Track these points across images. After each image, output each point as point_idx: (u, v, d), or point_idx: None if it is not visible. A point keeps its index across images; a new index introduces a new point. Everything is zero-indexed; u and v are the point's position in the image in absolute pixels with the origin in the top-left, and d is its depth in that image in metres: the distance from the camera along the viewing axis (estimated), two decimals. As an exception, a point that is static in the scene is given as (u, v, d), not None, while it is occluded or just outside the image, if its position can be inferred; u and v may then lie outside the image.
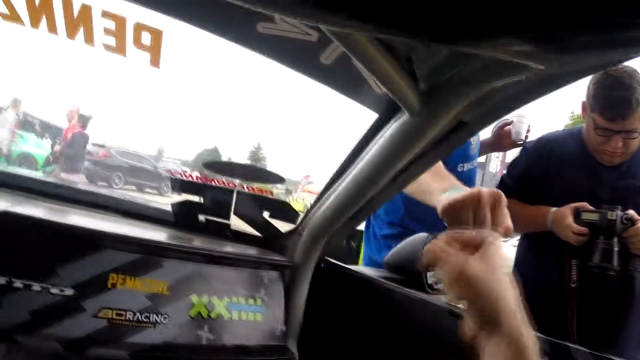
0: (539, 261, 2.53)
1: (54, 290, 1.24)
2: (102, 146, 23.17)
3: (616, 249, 2.16)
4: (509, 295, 0.89)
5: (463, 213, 1.08)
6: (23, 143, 20.08)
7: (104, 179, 20.46)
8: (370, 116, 1.40)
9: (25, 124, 22.89)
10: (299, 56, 1.24)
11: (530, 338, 0.86)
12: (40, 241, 1.28)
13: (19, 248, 1.25)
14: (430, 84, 1.08)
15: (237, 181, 1.73)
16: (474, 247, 0.95)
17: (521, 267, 2.62)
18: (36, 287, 1.22)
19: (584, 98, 2.43)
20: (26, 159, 19.03)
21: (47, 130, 24.12)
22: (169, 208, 1.83)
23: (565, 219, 2.30)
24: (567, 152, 2.55)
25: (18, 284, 1.20)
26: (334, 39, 0.90)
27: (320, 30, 1.08)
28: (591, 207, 2.28)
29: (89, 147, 23.47)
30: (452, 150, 1.35)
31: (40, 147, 20.90)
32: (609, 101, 2.26)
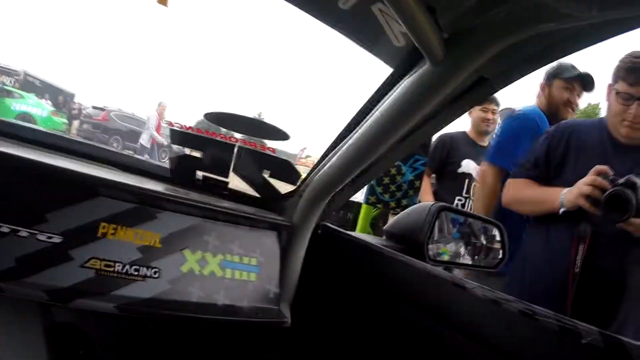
0: (547, 246, 2.54)
1: (41, 237, 1.18)
2: (102, 109, 23.29)
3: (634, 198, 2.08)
4: None
5: None
6: (22, 103, 20.09)
7: (102, 142, 20.50)
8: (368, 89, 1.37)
9: (26, 83, 22.94)
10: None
11: None
12: (29, 184, 1.22)
13: (6, 190, 1.19)
14: (454, 32, 1.04)
15: (238, 136, 1.68)
16: None
17: (529, 251, 2.66)
18: (23, 232, 1.16)
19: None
20: (25, 119, 19.05)
21: (47, 90, 24.19)
22: (166, 165, 1.78)
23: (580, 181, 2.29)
24: (586, 139, 2.57)
25: (4, 228, 1.14)
26: None
27: (340, -30, 1.03)
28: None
29: (89, 109, 23.59)
30: (470, 107, 1.32)
31: (40, 107, 20.93)
32: (632, 65, 2.32)
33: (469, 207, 4.33)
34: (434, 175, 4.70)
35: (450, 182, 4.46)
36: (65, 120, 22.94)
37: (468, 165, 4.42)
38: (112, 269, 1.27)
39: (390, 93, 1.29)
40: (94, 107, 23.55)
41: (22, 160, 1.24)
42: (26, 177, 1.22)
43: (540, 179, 2.62)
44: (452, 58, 1.08)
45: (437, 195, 4.52)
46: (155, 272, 1.34)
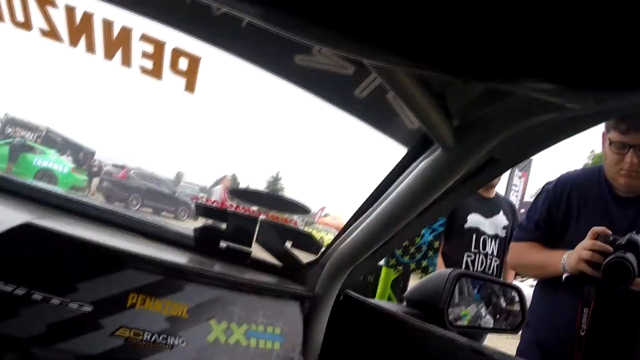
0: (553, 307, 2.50)
1: (73, 306, 1.23)
2: (122, 167, 23.49)
3: (635, 261, 2.03)
4: None
5: None
6: (44, 159, 20.38)
7: (122, 200, 20.63)
8: (383, 153, 1.42)
9: (48, 140, 23.32)
10: (334, 89, 1.25)
11: None
12: (61, 255, 1.27)
13: (39, 260, 1.24)
14: (463, 120, 1.09)
15: (262, 210, 1.74)
16: None
17: (536, 312, 2.60)
18: (55, 300, 1.21)
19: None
20: (46, 175, 19.29)
21: (68, 147, 24.55)
22: (189, 232, 1.83)
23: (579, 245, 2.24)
24: (587, 193, 2.53)
25: (37, 296, 1.20)
26: (374, 71, 0.90)
27: (356, 64, 1.09)
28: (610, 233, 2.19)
29: (109, 167, 23.91)
30: (481, 186, 1.36)
31: (61, 164, 21.20)
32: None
33: (479, 262, 4.23)
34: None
35: (458, 238, 4.30)
36: (85, 177, 23.21)
37: (475, 220, 4.28)
38: (140, 337, 1.31)
39: (405, 173, 1.35)
40: (114, 165, 23.84)
41: (54, 232, 1.30)
42: (57, 248, 1.28)
43: (544, 241, 2.58)
44: (463, 144, 1.12)
45: (445, 255, 4.40)
46: (182, 342, 1.37)
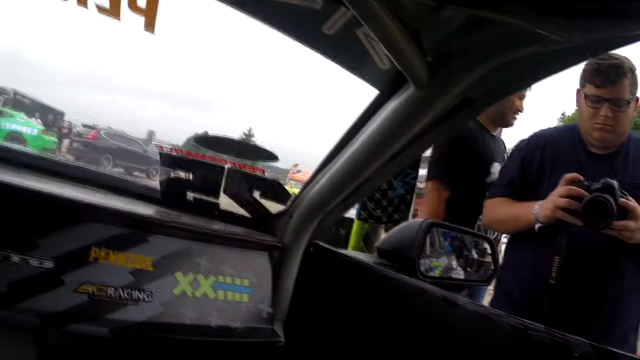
0: (524, 259, 2.53)
1: (34, 262, 1.18)
2: (92, 127, 23.15)
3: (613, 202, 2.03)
4: None
5: None
6: (12, 122, 20.05)
7: (93, 161, 20.38)
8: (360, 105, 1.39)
9: (15, 102, 22.89)
10: (300, 24, 1.21)
11: None
12: (19, 210, 1.21)
13: None
14: (438, 56, 1.05)
15: (228, 158, 1.69)
16: None
17: (507, 266, 2.62)
18: (15, 258, 1.16)
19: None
20: (15, 138, 18.98)
21: (37, 109, 24.14)
22: (156, 186, 1.79)
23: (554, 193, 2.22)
24: (560, 148, 2.55)
25: (-5, 255, 1.14)
26: (347, 3, 0.85)
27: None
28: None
29: (79, 128, 23.59)
30: (455, 129, 1.33)
31: (30, 126, 20.87)
32: (598, 67, 2.31)
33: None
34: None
35: (474, 194, 3.10)
36: (56, 139, 22.89)
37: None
38: (104, 293, 1.27)
39: (376, 115, 1.31)
40: (84, 125, 23.49)
41: (12, 186, 1.24)
42: (16, 203, 1.22)
43: (517, 197, 2.56)
44: (437, 82, 1.09)
45: (449, 213, 3.19)
46: (148, 296, 1.34)
